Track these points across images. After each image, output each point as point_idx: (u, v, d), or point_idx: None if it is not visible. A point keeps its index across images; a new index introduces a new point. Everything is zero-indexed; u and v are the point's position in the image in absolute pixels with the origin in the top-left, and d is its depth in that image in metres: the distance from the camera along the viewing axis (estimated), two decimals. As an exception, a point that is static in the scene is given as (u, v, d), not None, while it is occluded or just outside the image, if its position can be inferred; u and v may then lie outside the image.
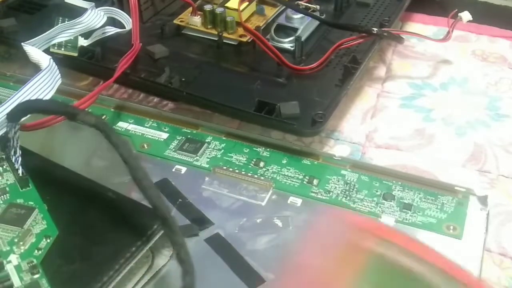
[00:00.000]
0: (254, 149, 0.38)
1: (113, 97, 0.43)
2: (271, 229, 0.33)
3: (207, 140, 0.39)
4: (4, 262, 0.27)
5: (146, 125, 0.40)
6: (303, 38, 0.44)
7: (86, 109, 0.32)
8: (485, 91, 0.45)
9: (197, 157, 0.38)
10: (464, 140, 0.41)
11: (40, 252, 0.28)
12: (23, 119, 0.31)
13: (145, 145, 0.39)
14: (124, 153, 0.27)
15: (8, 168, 0.32)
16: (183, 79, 0.42)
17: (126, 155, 0.27)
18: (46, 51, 0.42)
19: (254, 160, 0.37)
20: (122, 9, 0.47)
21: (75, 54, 0.43)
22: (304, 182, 0.36)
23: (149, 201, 0.27)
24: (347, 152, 0.39)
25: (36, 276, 0.27)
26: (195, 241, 0.32)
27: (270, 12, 0.48)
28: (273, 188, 0.36)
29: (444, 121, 0.42)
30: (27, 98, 0.35)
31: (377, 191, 0.35)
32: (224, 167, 0.37)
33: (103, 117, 0.40)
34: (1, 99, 0.36)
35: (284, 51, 0.43)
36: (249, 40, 0.44)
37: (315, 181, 0.36)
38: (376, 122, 0.42)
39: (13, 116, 0.31)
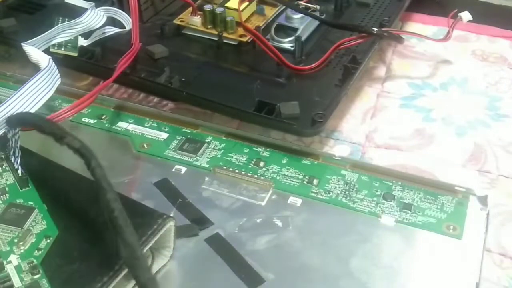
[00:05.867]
0: (254, 149, 0.38)
1: (113, 97, 0.43)
2: (271, 229, 0.33)
3: (207, 140, 0.39)
4: (4, 262, 0.27)
5: (146, 125, 0.40)
6: (303, 38, 0.44)
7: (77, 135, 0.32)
8: (485, 91, 0.45)
9: (197, 157, 0.38)
10: (464, 140, 0.41)
11: (40, 252, 0.28)
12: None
13: (145, 145, 0.39)
14: (104, 186, 0.27)
15: (7, 168, 0.32)
16: (183, 79, 0.41)
17: (104, 185, 0.27)
18: (46, 51, 0.42)
19: (254, 160, 0.37)
20: (122, 9, 0.47)
21: (75, 54, 0.43)
22: (304, 182, 0.36)
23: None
24: (347, 152, 0.39)
25: (36, 276, 0.27)
26: (195, 241, 0.32)
27: (270, 12, 0.48)
28: (273, 188, 0.36)
29: (444, 121, 0.42)
30: (26, 98, 0.35)
31: (377, 191, 0.35)
32: (224, 167, 0.37)
33: (103, 117, 0.40)
34: (1, 99, 0.36)
35: (284, 51, 0.43)
36: (249, 40, 0.44)
37: (315, 181, 0.36)
38: (376, 122, 0.42)
39: (11, 123, 0.32)
